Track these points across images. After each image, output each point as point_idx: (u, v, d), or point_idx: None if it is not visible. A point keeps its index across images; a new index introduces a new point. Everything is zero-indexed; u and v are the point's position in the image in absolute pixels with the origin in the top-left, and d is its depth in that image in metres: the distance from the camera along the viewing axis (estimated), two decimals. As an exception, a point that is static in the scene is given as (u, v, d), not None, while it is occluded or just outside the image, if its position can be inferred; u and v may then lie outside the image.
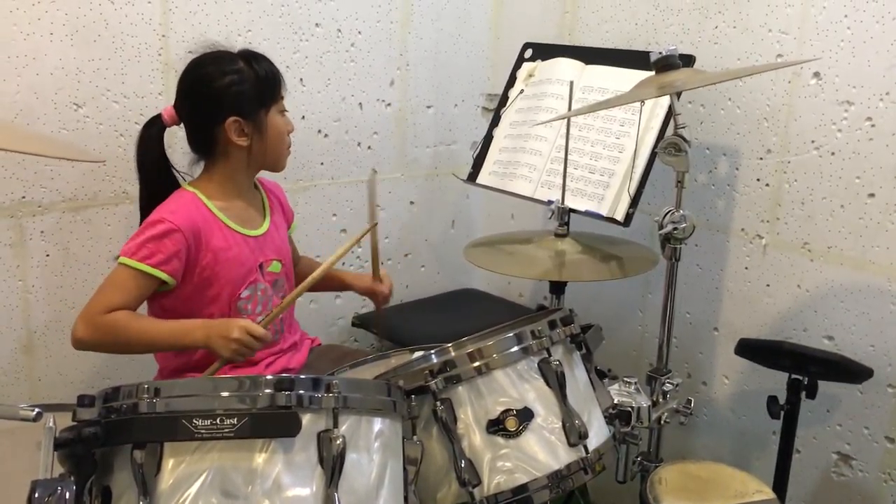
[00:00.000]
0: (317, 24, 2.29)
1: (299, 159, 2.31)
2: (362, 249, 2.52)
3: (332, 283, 2.07)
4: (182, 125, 1.77)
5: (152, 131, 1.76)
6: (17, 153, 1.79)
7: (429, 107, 2.61)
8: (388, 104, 2.50)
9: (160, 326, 1.68)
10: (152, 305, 1.75)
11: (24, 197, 1.90)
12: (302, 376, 1.15)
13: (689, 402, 1.83)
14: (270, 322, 1.67)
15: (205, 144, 1.75)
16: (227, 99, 1.69)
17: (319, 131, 2.36)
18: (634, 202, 1.94)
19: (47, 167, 1.92)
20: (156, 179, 1.77)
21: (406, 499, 1.24)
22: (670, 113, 1.83)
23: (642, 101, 1.95)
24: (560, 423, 1.40)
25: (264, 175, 1.95)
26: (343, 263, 2.48)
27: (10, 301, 1.92)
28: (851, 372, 1.83)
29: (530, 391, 1.40)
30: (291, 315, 1.95)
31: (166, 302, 1.72)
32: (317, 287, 2.10)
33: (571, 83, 1.99)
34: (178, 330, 1.65)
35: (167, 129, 1.78)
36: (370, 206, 1.94)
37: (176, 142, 1.90)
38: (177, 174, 1.82)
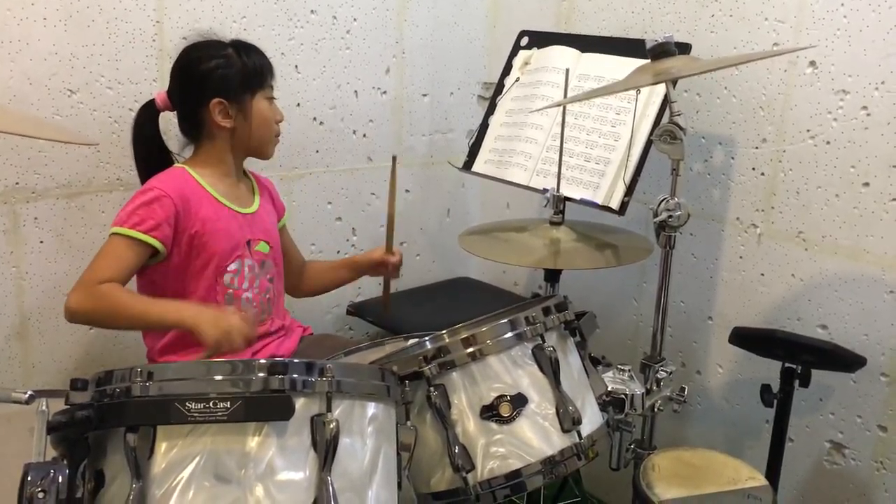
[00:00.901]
0: (312, 11, 2.28)
1: (294, 147, 2.31)
2: (358, 238, 2.52)
3: (344, 273, 2.09)
4: (174, 111, 1.80)
5: (146, 116, 1.80)
6: (10, 136, 1.79)
7: (424, 95, 2.61)
8: (384, 92, 2.50)
9: (152, 301, 1.68)
10: (142, 280, 1.75)
11: (17, 183, 1.90)
12: (295, 360, 1.15)
13: (682, 390, 1.84)
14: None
15: (192, 126, 1.79)
16: (212, 81, 1.73)
17: (314, 119, 2.35)
18: (630, 191, 1.93)
19: (41, 153, 1.91)
20: (152, 163, 1.80)
21: (399, 484, 1.25)
22: (666, 101, 1.82)
23: (638, 89, 1.95)
24: (554, 409, 1.40)
25: (258, 171, 1.96)
26: (338, 252, 2.49)
27: (4, 287, 1.92)
28: (845, 361, 1.83)
29: (524, 377, 1.40)
30: (281, 299, 1.95)
31: (156, 274, 1.73)
32: (329, 285, 2.13)
33: (567, 71, 1.98)
34: (169, 305, 1.63)
35: (163, 116, 1.81)
36: (391, 188, 1.95)
37: (171, 129, 1.90)
38: (173, 157, 1.84)
